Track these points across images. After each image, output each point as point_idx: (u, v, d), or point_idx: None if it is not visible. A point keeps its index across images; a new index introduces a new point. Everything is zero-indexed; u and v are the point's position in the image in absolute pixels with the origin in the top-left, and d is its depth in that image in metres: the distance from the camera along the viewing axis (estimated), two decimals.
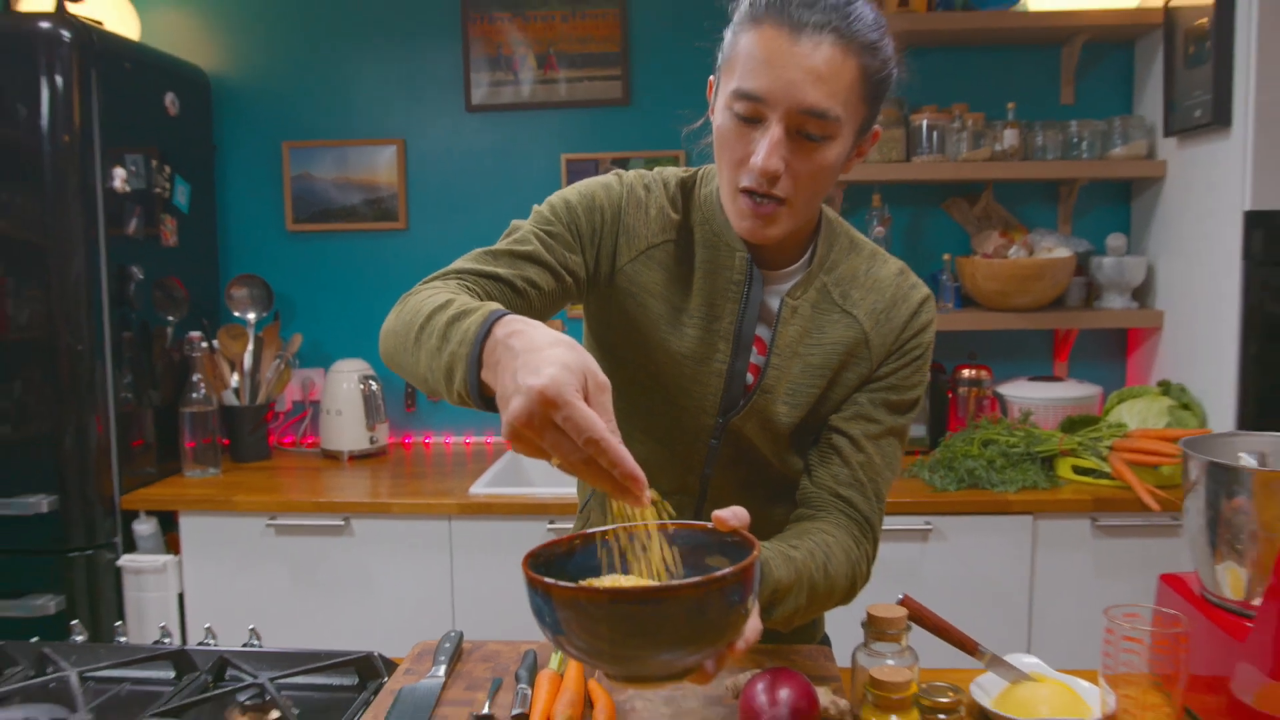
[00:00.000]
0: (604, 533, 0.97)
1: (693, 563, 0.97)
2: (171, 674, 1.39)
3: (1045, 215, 3.08)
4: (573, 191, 1.31)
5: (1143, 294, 2.97)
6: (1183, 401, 2.64)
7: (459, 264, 1.22)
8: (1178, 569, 1.44)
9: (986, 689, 1.33)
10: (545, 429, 0.84)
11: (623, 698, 1.25)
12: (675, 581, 0.86)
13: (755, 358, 1.32)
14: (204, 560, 2.63)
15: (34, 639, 1.46)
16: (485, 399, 0.96)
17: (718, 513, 0.98)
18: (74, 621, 1.53)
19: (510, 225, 1.29)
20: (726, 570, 0.84)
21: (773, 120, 1.14)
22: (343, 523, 2.59)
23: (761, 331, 1.31)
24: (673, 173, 1.35)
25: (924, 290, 1.36)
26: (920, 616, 1.34)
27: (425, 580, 2.57)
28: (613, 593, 0.82)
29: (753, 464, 1.36)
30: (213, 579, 2.62)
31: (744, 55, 1.14)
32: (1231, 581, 1.28)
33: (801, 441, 1.36)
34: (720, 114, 1.19)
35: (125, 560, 2.60)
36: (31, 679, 1.32)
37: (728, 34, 1.20)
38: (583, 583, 0.89)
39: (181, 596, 2.63)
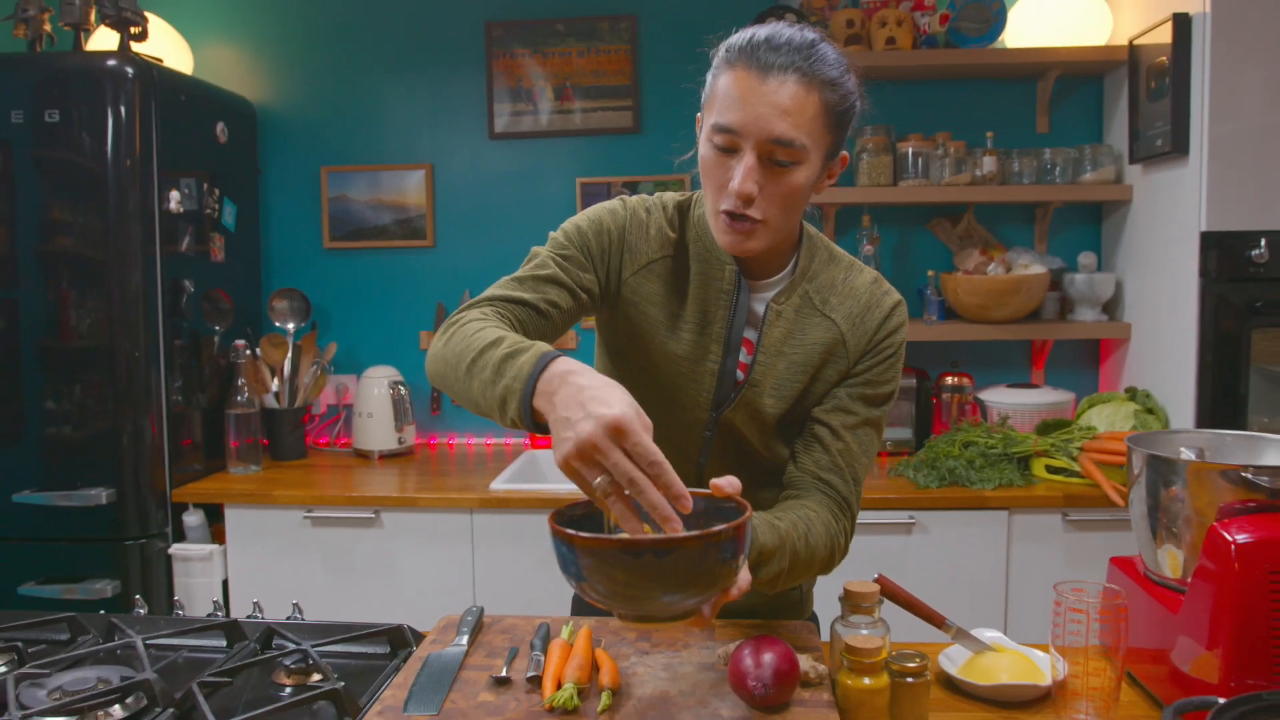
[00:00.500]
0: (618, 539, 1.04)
1: (693, 524, 1.05)
2: (223, 643, 1.47)
3: (1022, 235, 3.15)
4: (583, 218, 1.40)
5: (1112, 308, 3.03)
6: (1148, 406, 2.70)
7: (492, 291, 1.32)
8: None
9: (953, 659, 1.41)
10: (609, 452, 0.96)
11: (626, 664, 1.32)
12: (679, 534, 0.95)
13: (744, 357, 1.40)
14: (246, 549, 2.71)
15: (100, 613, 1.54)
16: (536, 424, 1.07)
17: (715, 480, 1.08)
18: (137, 596, 1.61)
19: (530, 252, 1.39)
20: (723, 527, 0.95)
21: (746, 149, 1.23)
22: (373, 515, 2.67)
23: (749, 334, 1.40)
24: (670, 197, 1.44)
25: (896, 296, 1.44)
26: (893, 594, 1.41)
27: (449, 568, 2.64)
28: (626, 542, 0.92)
29: (742, 453, 1.43)
30: (254, 566, 2.70)
31: (721, 94, 1.24)
32: (1170, 562, 1.35)
33: (787, 432, 1.44)
34: (703, 145, 1.29)
35: (175, 549, 2.69)
36: (102, 644, 1.40)
37: (709, 76, 1.30)
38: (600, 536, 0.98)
39: (226, 582, 2.71)
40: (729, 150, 1.24)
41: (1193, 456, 1.39)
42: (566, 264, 1.35)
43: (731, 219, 1.27)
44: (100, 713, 1.20)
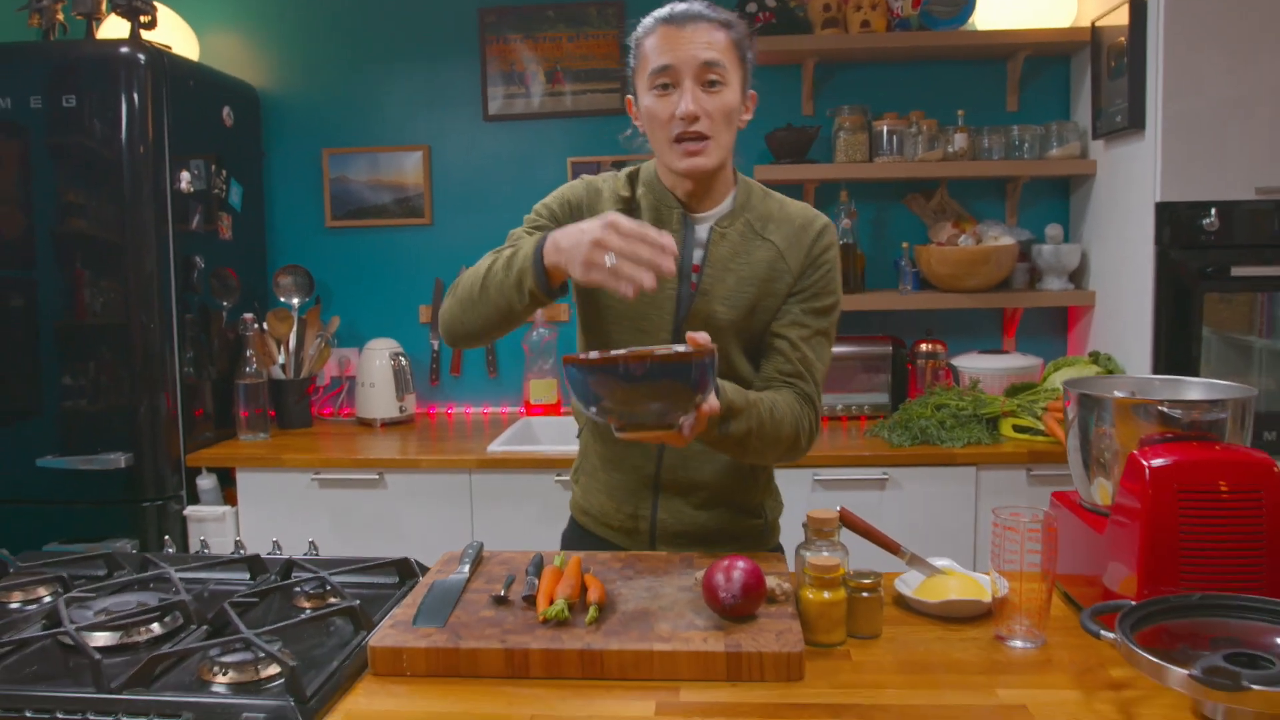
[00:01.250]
0: (620, 353, 1.30)
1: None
2: (247, 575, 1.61)
3: (993, 209, 3.29)
4: (550, 197, 1.68)
5: (1078, 277, 3.17)
6: (1109, 368, 2.85)
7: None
8: None
9: (909, 583, 1.55)
10: (610, 237, 1.31)
11: (611, 587, 1.46)
12: (661, 353, 1.26)
13: (696, 279, 1.60)
14: (257, 510, 2.85)
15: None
16: (551, 290, 1.42)
17: (690, 334, 1.32)
18: (166, 536, 1.75)
19: (509, 235, 1.63)
20: (690, 349, 1.27)
21: (684, 79, 1.50)
22: (377, 477, 2.81)
23: (698, 256, 1.61)
24: (622, 171, 1.69)
25: (824, 218, 1.66)
26: (853, 524, 1.56)
27: (449, 525, 2.78)
28: (617, 357, 1.25)
29: None
30: (265, 526, 2.83)
31: (650, 50, 1.53)
32: (1101, 493, 1.49)
33: (746, 348, 1.63)
34: (645, 98, 1.55)
35: (190, 510, 2.83)
36: (138, 575, 1.54)
37: (631, 56, 1.59)
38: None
39: (238, 543, 2.84)
40: (669, 86, 1.51)
41: (1120, 394, 1.53)
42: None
43: (684, 141, 1.51)
44: (142, 629, 1.34)
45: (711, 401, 1.36)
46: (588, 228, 1.34)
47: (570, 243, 1.35)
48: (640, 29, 1.57)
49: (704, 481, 1.67)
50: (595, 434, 1.73)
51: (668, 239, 1.32)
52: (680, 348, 1.29)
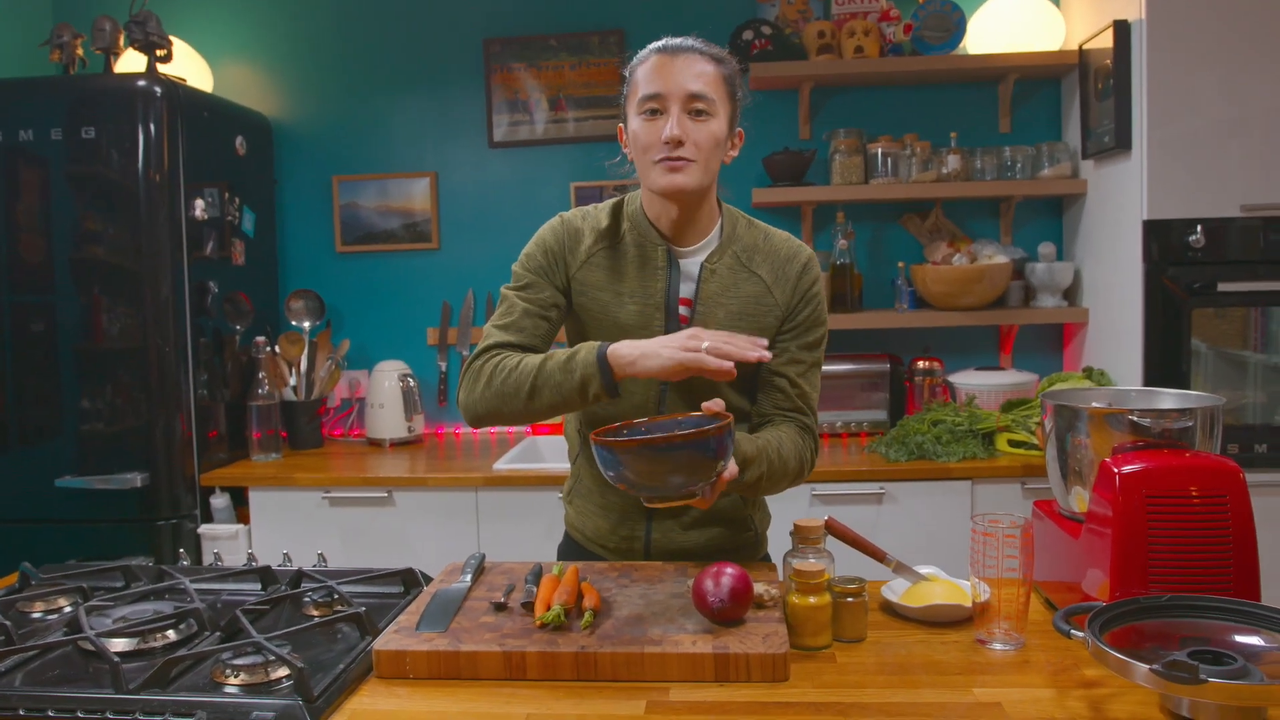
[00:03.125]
0: (640, 422, 1.48)
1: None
2: (258, 586, 1.67)
3: (988, 228, 3.35)
4: (531, 244, 1.70)
5: (1072, 294, 3.22)
6: (1101, 384, 2.90)
7: (488, 342, 1.63)
8: None
9: (895, 590, 1.60)
10: (700, 336, 1.45)
11: (607, 594, 1.52)
12: (682, 432, 1.34)
13: (684, 311, 1.66)
14: (269, 528, 2.92)
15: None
16: (615, 385, 1.51)
17: (705, 403, 1.44)
18: (180, 550, 1.82)
19: (500, 295, 1.69)
20: (711, 426, 1.34)
21: (672, 106, 1.55)
22: (386, 495, 2.87)
23: (687, 292, 1.65)
24: (603, 204, 1.73)
25: (807, 251, 1.71)
26: (840, 533, 1.61)
27: (456, 541, 2.84)
28: (644, 441, 1.34)
29: (695, 404, 1.63)
30: (277, 544, 2.89)
31: (641, 79, 1.58)
32: (1078, 500, 1.54)
33: (737, 382, 1.63)
34: (633, 122, 1.60)
35: (204, 529, 2.90)
36: (154, 585, 1.61)
37: (624, 86, 1.64)
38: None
39: (251, 555, 2.90)
40: (657, 112, 1.56)
41: (1094, 405, 1.59)
42: (529, 293, 1.66)
43: (668, 163, 1.56)
44: (158, 635, 1.40)
45: (731, 467, 1.45)
46: (668, 341, 1.47)
47: (647, 352, 1.48)
48: (635, 59, 1.62)
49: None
50: (589, 458, 1.78)
51: (754, 342, 1.46)
52: (695, 414, 1.41)
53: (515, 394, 1.55)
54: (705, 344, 1.43)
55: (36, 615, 1.56)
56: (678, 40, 1.60)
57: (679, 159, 1.55)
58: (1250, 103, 2.58)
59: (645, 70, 1.58)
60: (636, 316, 1.64)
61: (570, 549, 1.86)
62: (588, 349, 1.52)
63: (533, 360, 1.55)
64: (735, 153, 1.65)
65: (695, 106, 1.55)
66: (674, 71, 1.55)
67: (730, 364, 1.42)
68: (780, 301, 1.66)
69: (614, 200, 1.72)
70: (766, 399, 1.69)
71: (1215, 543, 1.34)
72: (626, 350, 1.49)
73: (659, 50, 1.59)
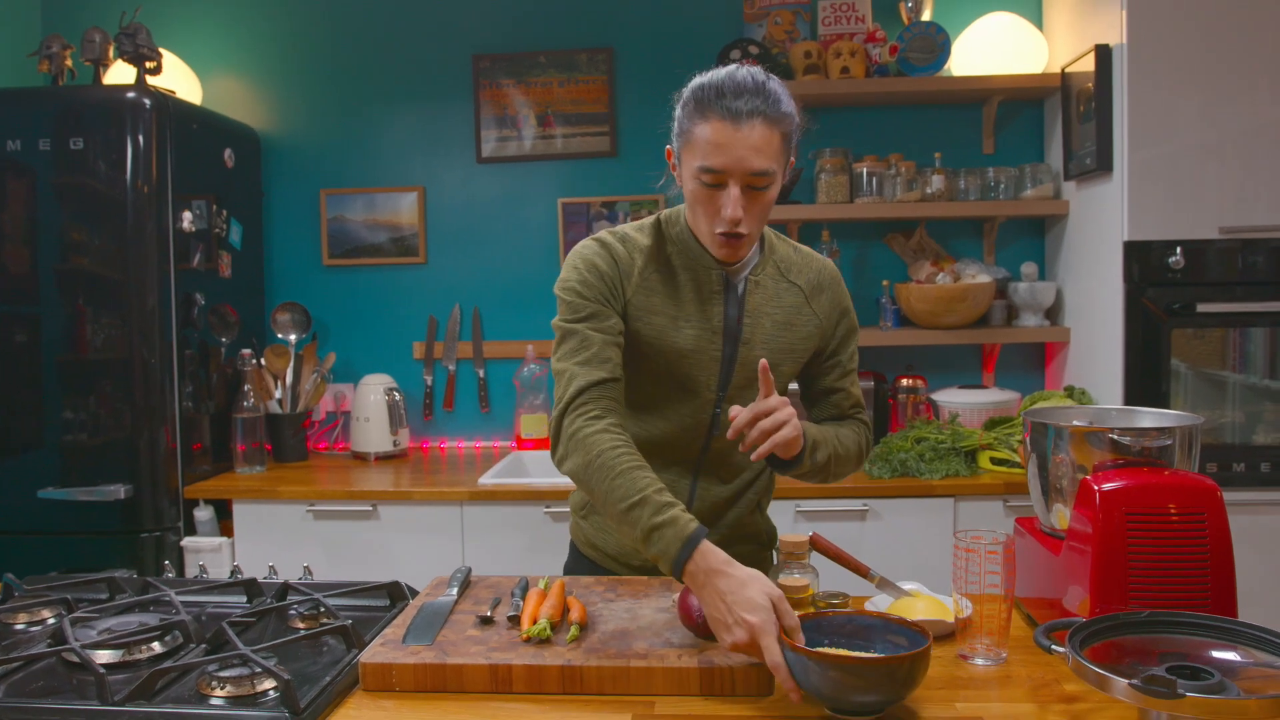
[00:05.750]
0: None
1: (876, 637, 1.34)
2: (244, 598, 1.67)
3: (971, 248, 3.38)
4: (579, 271, 1.61)
5: (1054, 313, 3.26)
6: (1083, 402, 2.93)
7: (579, 383, 1.53)
8: None
9: (878, 606, 1.61)
10: (751, 646, 1.26)
11: (593, 608, 1.53)
12: (872, 655, 1.27)
13: (738, 330, 1.66)
14: (253, 541, 2.91)
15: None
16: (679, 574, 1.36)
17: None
18: (165, 562, 1.81)
19: (562, 330, 1.59)
20: (904, 653, 1.23)
21: (731, 184, 1.49)
22: (371, 508, 2.87)
23: (735, 311, 1.65)
24: (636, 223, 1.69)
25: (833, 263, 1.79)
26: (825, 549, 1.63)
27: (441, 555, 2.83)
28: (840, 658, 1.23)
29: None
30: (261, 557, 2.88)
31: (701, 141, 1.48)
32: (1059, 518, 1.56)
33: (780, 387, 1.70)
34: (690, 182, 1.53)
35: (187, 541, 2.88)
36: (139, 597, 1.60)
37: (678, 113, 1.54)
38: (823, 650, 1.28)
39: (236, 567, 2.89)
40: (716, 185, 1.50)
41: (1075, 423, 1.61)
42: (597, 323, 1.58)
43: (726, 237, 1.54)
44: (143, 647, 1.40)
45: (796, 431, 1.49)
46: (734, 621, 1.27)
47: (712, 614, 1.31)
48: (693, 102, 1.50)
49: (727, 521, 1.74)
50: None
51: (790, 682, 1.26)
52: (890, 616, 1.36)
53: (604, 503, 1.45)
54: (770, 661, 1.25)
55: (20, 627, 1.55)
56: (744, 95, 1.46)
57: (737, 235, 1.53)
58: (1229, 126, 2.62)
59: (706, 133, 1.47)
60: (694, 341, 1.63)
61: (580, 566, 1.83)
62: (681, 538, 1.35)
63: (626, 482, 1.42)
64: (785, 180, 1.60)
65: (755, 183, 1.49)
66: (737, 145, 1.45)
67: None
68: (818, 312, 1.71)
69: (651, 220, 1.68)
70: (823, 411, 1.78)
71: (1193, 560, 1.36)
72: (710, 594, 1.31)
73: (722, 114, 1.46)
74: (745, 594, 1.27)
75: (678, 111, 1.55)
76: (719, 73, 1.50)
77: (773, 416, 1.45)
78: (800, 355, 1.70)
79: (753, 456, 1.45)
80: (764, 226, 1.63)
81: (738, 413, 1.46)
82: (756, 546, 1.80)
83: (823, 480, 1.69)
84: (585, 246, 1.64)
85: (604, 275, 1.60)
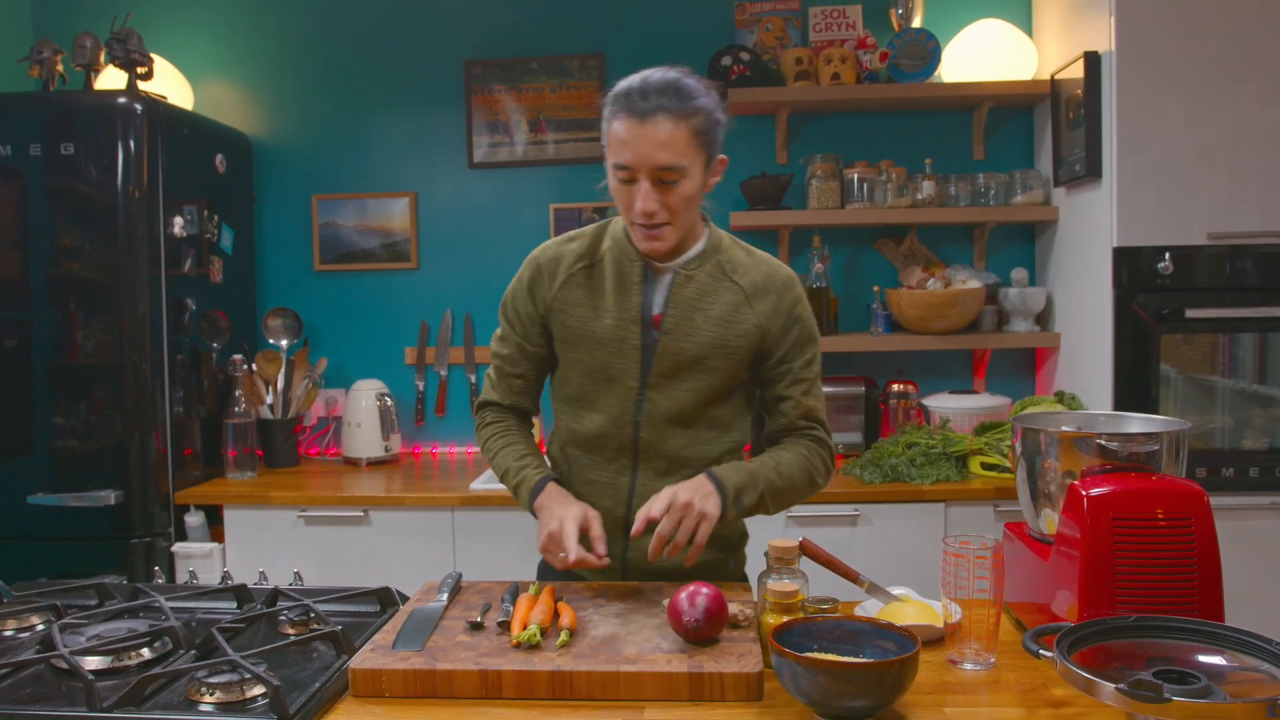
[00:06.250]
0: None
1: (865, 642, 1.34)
2: (234, 604, 1.67)
3: (962, 253, 3.39)
4: (507, 293, 1.81)
5: (1044, 319, 3.27)
6: (1072, 407, 2.93)
7: (481, 400, 1.85)
8: None
9: (869, 611, 1.62)
10: (554, 538, 1.58)
11: (584, 613, 1.53)
12: (861, 660, 1.27)
13: (661, 321, 1.70)
14: (244, 547, 2.90)
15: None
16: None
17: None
18: (155, 568, 1.81)
19: (494, 338, 1.84)
20: (893, 658, 1.23)
21: (642, 178, 1.57)
22: (362, 514, 2.86)
23: (660, 303, 1.70)
24: (588, 227, 1.79)
25: (789, 271, 1.77)
26: (815, 554, 1.63)
27: (432, 560, 2.83)
28: (830, 663, 1.24)
29: (675, 413, 1.70)
30: (252, 562, 2.86)
31: (614, 139, 1.59)
32: (1047, 523, 1.57)
33: (719, 391, 1.72)
34: (610, 180, 1.63)
35: (178, 547, 2.88)
36: (129, 604, 1.60)
37: (604, 123, 1.62)
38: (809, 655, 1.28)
39: (226, 573, 2.89)
40: (629, 181, 1.59)
41: (1063, 429, 1.62)
42: (504, 347, 1.80)
43: (646, 229, 1.62)
44: (133, 653, 1.39)
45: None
46: (545, 527, 1.62)
47: (539, 522, 1.65)
48: (611, 104, 1.59)
49: None
50: (566, 480, 1.80)
51: (586, 557, 1.57)
52: (870, 619, 1.38)
53: (494, 471, 1.79)
54: (561, 555, 1.57)
55: (8, 633, 1.55)
56: (647, 96, 1.55)
57: (654, 226, 1.60)
58: (1217, 132, 2.64)
59: (616, 131, 1.57)
60: (613, 330, 1.69)
61: (549, 569, 1.85)
62: (528, 490, 1.71)
63: (500, 462, 1.76)
64: (718, 179, 1.67)
65: (664, 177, 1.57)
66: (642, 142, 1.54)
67: (572, 558, 1.55)
68: (758, 312, 1.70)
69: (601, 222, 1.78)
70: (773, 422, 1.77)
71: (1181, 564, 1.37)
72: (539, 513, 1.67)
73: (628, 111, 1.55)
74: (557, 510, 1.61)
75: (603, 115, 1.63)
76: (636, 75, 1.60)
77: (666, 521, 1.54)
78: (736, 353, 1.69)
79: (687, 563, 1.58)
80: (691, 218, 1.66)
81: (641, 526, 1.56)
82: (720, 553, 1.80)
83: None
84: (524, 265, 1.79)
85: (519, 293, 1.77)
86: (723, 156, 1.66)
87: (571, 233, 1.79)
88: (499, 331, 1.82)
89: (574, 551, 1.55)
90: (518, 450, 1.76)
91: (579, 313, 1.71)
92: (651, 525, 1.56)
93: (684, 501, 1.55)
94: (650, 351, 1.68)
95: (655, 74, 1.58)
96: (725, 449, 1.75)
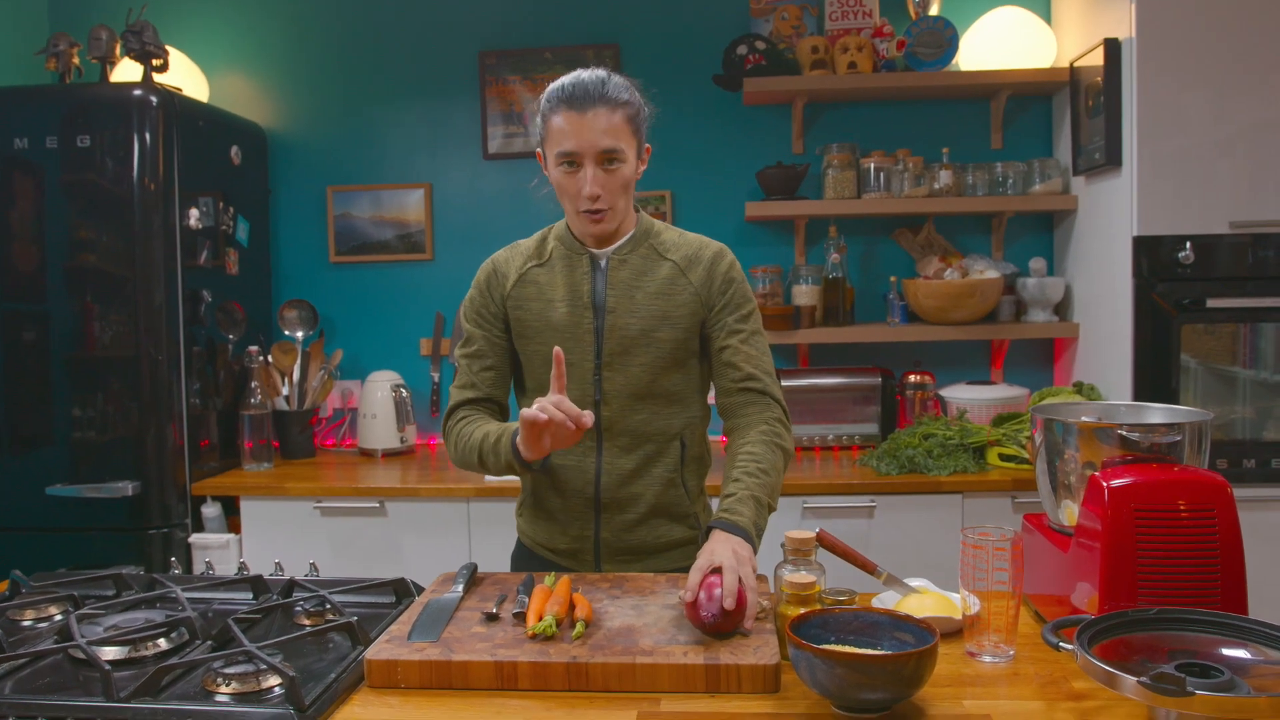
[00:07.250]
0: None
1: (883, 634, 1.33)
2: (250, 595, 1.67)
3: (980, 243, 3.37)
4: (466, 299, 1.88)
5: (1063, 309, 3.24)
6: (1091, 398, 2.91)
7: (451, 404, 1.85)
8: None
9: (886, 603, 1.61)
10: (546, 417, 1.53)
11: (599, 605, 1.53)
12: (878, 653, 1.26)
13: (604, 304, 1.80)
14: (260, 538, 2.91)
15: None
16: (526, 465, 1.65)
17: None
18: (172, 559, 1.82)
19: (460, 324, 1.84)
20: (911, 650, 1.21)
21: (586, 164, 1.68)
22: (378, 505, 2.87)
23: (603, 286, 1.80)
24: (533, 235, 1.89)
25: (718, 244, 1.85)
26: (831, 545, 1.62)
27: (447, 552, 2.83)
28: (846, 655, 1.22)
29: (633, 386, 1.78)
30: (268, 553, 2.87)
31: (556, 131, 1.69)
32: (1067, 514, 1.55)
33: (668, 363, 1.78)
34: (554, 172, 1.74)
35: (195, 538, 2.89)
36: (145, 594, 1.61)
37: (539, 123, 1.75)
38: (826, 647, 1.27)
39: (242, 564, 2.90)
40: (574, 166, 1.69)
41: (1083, 419, 1.60)
42: (470, 348, 1.85)
43: (589, 214, 1.72)
44: (149, 643, 1.40)
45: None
46: (523, 427, 1.59)
47: (523, 441, 1.61)
48: (546, 102, 1.72)
49: (641, 496, 1.80)
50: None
51: (576, 413, 1.54)
52: (889, 611, 1.36)
53: (474, 464, 1.76)
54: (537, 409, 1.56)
55: (27, 623, 1.55)
56: (584, 89, 1.68)
57: (598, 210, 1.71)
58: (1238, 121, 2.60)
59: (559, 123, 1.68)
60: (568, 317, 1.78)
61: (522, 555, 1.96)
62: (507, 443, 1.68)
63: (477, 435, 1.74)
64: (645, 166, 1.80)
65: (607, 160, 1.69)
66: (585, 128, 1.66)
67: (562, 416, 1.52)
68: (694, 282, 1.79)
69: (543, 229, 1.89)
70: (721, 378, 1.81)
71: (1203, 557, 1.35)
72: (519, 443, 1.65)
73: (569, 105, 1.67)
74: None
75: (539, 119, 1.75)
76: (568, 76, 1.72)
77: (727, 578, 1.41)
78: (680, 321, 1.78)
79: (747, 625, 1.43)
80: (628, 203, 1.77)
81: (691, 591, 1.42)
82: (687, 529, 1.85)
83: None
84: (480, 270, 1.88)
85: (474, 299, 1.86)
86: (648, 146, 1.80)
87: (515, 242, 1.90)
88: (463, 339, 1.89)
89: (555, 412, 1.54)
90: (495, 426, 1.76)
91: (534, 306, 1.81)
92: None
93: (730, 566, 1.44)
94: (600, 333, 1.77)
95: (585, 74, 1.72)
96: (685, 423, 1.82)
